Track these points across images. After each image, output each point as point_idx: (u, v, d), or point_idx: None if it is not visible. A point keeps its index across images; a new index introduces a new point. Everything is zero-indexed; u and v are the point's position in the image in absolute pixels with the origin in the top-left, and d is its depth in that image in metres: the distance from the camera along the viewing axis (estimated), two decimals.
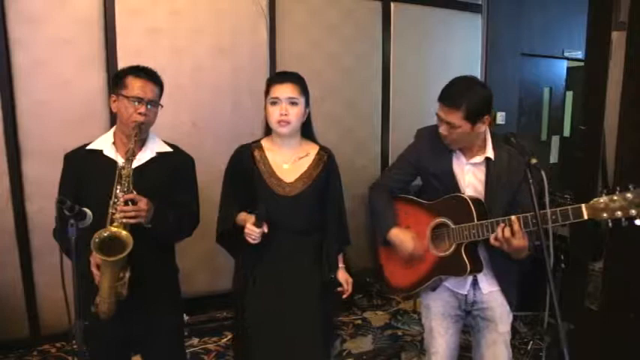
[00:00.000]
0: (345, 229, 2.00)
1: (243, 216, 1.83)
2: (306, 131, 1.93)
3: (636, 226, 1.37)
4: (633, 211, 1.37)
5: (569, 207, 1.48)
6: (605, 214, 1.41)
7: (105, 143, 1.74)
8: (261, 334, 1.86)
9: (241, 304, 1.90)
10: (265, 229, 1.73)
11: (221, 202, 1.92)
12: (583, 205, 1.45)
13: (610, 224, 1.42)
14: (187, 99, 3.25)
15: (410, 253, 1.85)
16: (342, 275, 1.96)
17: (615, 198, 1.40)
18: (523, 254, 1.65)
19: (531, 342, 2.90)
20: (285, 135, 1.83)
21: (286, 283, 1.86)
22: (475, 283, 1.84)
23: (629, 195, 1.38)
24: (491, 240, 1.63)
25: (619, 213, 1.39)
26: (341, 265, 1.98)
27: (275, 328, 1.84)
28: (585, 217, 1.44)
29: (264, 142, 1.91)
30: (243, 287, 1.90)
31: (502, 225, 1.59)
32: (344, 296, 1.97)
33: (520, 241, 1.58)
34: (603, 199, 1.42)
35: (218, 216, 1.92)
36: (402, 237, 1.86)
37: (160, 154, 1.77)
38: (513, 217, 1.58)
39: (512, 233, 1.57)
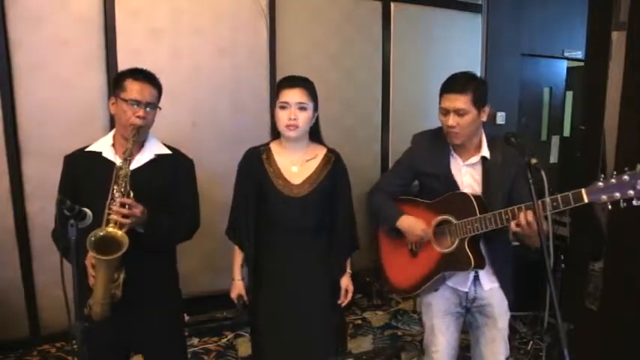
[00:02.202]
0: (354, 232, 2.00)
1: (237, 274, 1.95)
2: (315, 134, 1.95)
3: (634, 207, 1.42)
4: (631, 192, 1.42)
5: (569, 192, 1.51)
6: (604, 197, 1.46)
7: (104, 145, 1.73)
8: (271, 331, 1.90)
9: (252, 301, 1.95)
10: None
11: (233, 202, 1.96)
12: (583, 190, 1.49)
13: (609, 207, 1.47)
14: (187, 99, 3.25)
15: (421, 235, 1.86)
16: (345, 281, 1.95)
17: (613, 181, 1.45)
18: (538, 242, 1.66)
19: (531, 342, 2.91)
20: (293, 139, 1.85)
21: (295, 282, 1.89)
22: (476, 280, 1.86)
23: (625, 177, 1.43)
24: (513, 227, 1.62)
25: (617, 195, 1.44)
26: (347, 270, 1.97)
27: (285, 326, 1.88)
28: (586, 200, 1.49)
29: (273, 146, 1.94)
30: (253, 286, 1.94)
31: (524, 211, 1.60)
32: (342, 305, 1.96)
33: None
34: (601, 182, 1.46)
35: (230, 212, 1.97)
36: (411, 221, 1.87)
37: (158, 156, 1.76)
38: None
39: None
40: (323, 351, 1.91)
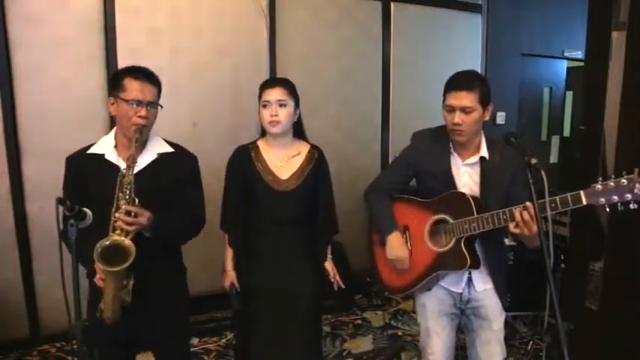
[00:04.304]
0: (334, 219, 2.15)
1: (229, 265, 2.07)
2: (298, 131, 2.09)
3: (631, 210, 1.44)
4: (628, 196, 1.44)
5: (567, 194, 1.52)
6: (602, 200, 1.48)
7: (106, 147, 1.71)
8: (263, 316, 2.02)
9: (244, 288, 2.07)
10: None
11: (224, 197, 2.10)
12: (581, 192, 1.50)
13: (607, 209, 1.49)
14: (187, 99, 3.25)
15: (397, 261, 1.89)
16: (329, 266, 2.12)
17: (611, 184, 1.46)
18: (537, 241, 1.64)
19: (531, 342, 2.90)
20: (277, 134, 1.99)
21: (284, 267, 2.02)
22: (469, 281, 1.86)
23: (623, 181, 1.44)
24: (511, 227, 1.63)
25: (615, 198, 1.46)
26: (329, 255, 2.14)
27: (275, 309, 2.01)
28: (584, 202, 1.50)
29: (260, 143, 2.08)
30: (244, 274, 2.06)
31: (519, 209, 1.60)
32: (335, 287, 2.12)
33: (537, 227, 1.59)
34: (600, 185, 1.48)
35: (222, 207, 2.09)
36: (395, 244, 1.90)
37: (161, 155, 1.75)
38: (528, 203, 1.59)
39: (531, 217, 1.58)
40: (304, 323, 2.05)
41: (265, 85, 2.02)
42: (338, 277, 2.11)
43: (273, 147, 2.04)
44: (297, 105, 2.02)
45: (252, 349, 2.06)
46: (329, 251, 2.15)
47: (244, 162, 2.03)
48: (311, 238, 2.09)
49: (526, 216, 1.59)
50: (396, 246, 1.89)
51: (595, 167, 2.44)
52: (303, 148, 2.08)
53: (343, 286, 2.13)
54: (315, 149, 2.10)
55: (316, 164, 2.06)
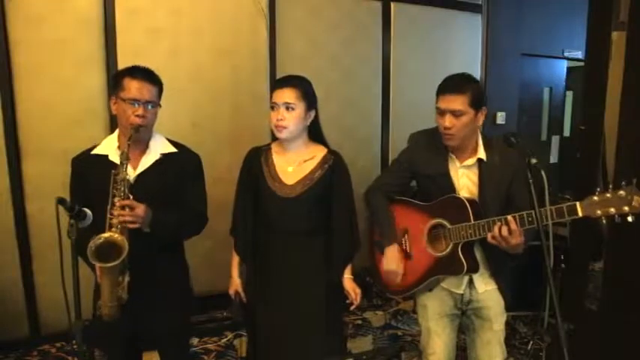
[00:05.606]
0: (351, 234, 1.94)
1: (235, 272, 1.98)
2: (314, 134, 1.93)
3: (629, 222, 1.41)
4: (626, 208, 1.41)
5: (563, 204, 1.50)
6: (598, 212, 1.45)
7: (110, 148, 1.72)
8: (269, 332, 1.91)
9: (250, 301, 1.96)
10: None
11: (235, 201, 2.00)
12: (577, 203, 1.48)
13: (604, 221, 1.46)
14: (187, 99, 3.25)
15: (389, 272, 1.90)
16: (348, 284, 1.92)
17: (608, 195, 1.43)
18: (519, 249, 1.68)
19: (531, 342, 2.90)
20: (285, 139, 1.86)
21: (291, 282, 1.89)
22: (471, 282, 1.86)
23: (621, 192, 1.41)
24: (489, 238, 1.64)
25: (612, 210, 1.43)
26: (347, 275, 1.94)
27: (282, 327, 1.88)
28: (580, 214, 1.48)
29: (274, 146, 1.96)
30: (250, 285, 1.96)
31: (499, 224, 1.61)
32: (352, 307, 1.94)
33: (517, 239, 1.61)
34: (597, 196, 1.45)
35: (233, 212, 2.00)
36: (390, 255, 1.90)
37: (164, 155, 1.76)
38: (509, 217, 1.60)
39: (510, 232, 1.59)
40: (320, 353, 1.87)
41: (275, 85, 1.88)
42: (359, 299, 1.92)
43: (284, 151, 1.90)
44: (310, 107, 1.85)
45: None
46: (348, 271, 1.93)
47: (255, 166, 1.92)
48: (326, 254, 1.91)
49: (504, 232, 1.59)
50: (391, 259, 1.89)
51: (595, 167, 2.44)
52: (319, 153, 1.90)
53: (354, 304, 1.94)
54: (332, 154, 1.91)
55: (329, 169, 1.87)
